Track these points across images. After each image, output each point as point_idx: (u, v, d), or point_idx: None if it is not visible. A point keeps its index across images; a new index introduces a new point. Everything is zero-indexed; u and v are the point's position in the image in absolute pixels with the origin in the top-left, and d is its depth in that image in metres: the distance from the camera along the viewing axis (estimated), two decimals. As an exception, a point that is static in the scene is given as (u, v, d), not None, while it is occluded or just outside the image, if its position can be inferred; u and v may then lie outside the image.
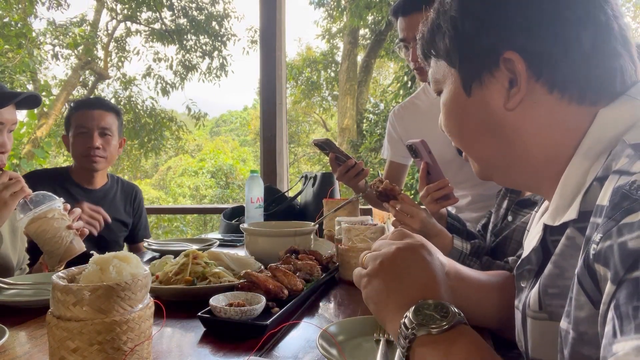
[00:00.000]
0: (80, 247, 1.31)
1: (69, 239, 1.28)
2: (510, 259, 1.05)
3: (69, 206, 1.36)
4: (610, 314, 0.38)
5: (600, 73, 0.56)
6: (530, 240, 0.65)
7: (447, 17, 0.63)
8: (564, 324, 0.50)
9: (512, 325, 0.75)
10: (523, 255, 0.66)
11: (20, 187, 1.21)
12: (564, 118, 0.58)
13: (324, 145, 1.79)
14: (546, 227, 0.61)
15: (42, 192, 1.30)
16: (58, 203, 1.30)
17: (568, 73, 0.57)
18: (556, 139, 0.59)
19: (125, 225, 2.06)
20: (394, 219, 1.32)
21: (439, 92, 0.70)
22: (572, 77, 0.57)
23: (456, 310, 0.51)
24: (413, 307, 0.53)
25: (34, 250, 1.57)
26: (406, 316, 0.52)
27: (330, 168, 1.81)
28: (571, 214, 0.54)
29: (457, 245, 1.22)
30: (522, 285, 0.67)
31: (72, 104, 2.01)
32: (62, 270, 1.31)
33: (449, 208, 1.43)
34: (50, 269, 1.31)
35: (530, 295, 0.62)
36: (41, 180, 1.80)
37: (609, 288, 0.40)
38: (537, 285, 0.60)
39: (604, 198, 0.47)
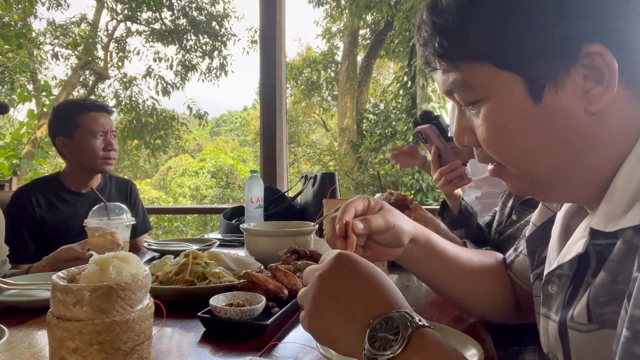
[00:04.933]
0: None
1: None
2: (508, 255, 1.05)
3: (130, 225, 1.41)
4: None
5: None
6: (571, 246, 0.58)
7: (495, 5, 0.52)
8: (619, 327, 0.46)
9: (498, 310, 0.81)
10: (561, 261, 0.59)
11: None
12: (638, 119, 0.50)
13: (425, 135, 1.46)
14: (592, 233, 0.54)
15: (120, 204, 1.37)
16: (122, 226, 1.36)
17: None
18: (628, 145, 0.51)
19: None
20: None
21: (472, 102, 0.57)
22: None
23: (407, 316, 0.48)
24: (367, 336, 0.49)
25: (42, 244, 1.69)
26: (364, 348, 0.49)
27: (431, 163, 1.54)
28: (632, 219, 0.48)
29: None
30: (551, 291, 0.62)
31: (68, 105, 1.92)
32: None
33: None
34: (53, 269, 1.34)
35: (575, 308, 0.56)
36: (33, 190, 1.78)
37: None
38: (585, 297, 0.54)
39: None
